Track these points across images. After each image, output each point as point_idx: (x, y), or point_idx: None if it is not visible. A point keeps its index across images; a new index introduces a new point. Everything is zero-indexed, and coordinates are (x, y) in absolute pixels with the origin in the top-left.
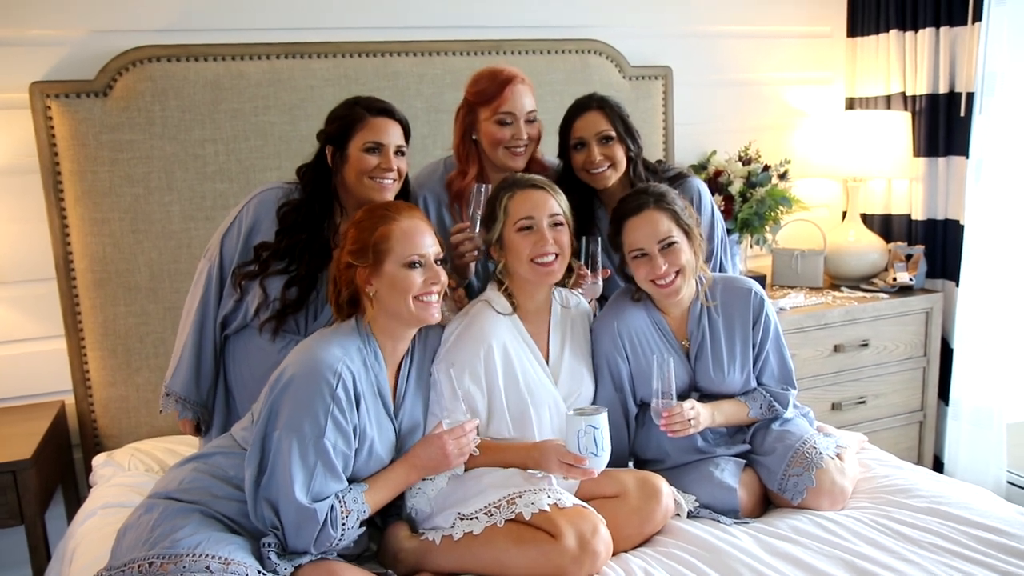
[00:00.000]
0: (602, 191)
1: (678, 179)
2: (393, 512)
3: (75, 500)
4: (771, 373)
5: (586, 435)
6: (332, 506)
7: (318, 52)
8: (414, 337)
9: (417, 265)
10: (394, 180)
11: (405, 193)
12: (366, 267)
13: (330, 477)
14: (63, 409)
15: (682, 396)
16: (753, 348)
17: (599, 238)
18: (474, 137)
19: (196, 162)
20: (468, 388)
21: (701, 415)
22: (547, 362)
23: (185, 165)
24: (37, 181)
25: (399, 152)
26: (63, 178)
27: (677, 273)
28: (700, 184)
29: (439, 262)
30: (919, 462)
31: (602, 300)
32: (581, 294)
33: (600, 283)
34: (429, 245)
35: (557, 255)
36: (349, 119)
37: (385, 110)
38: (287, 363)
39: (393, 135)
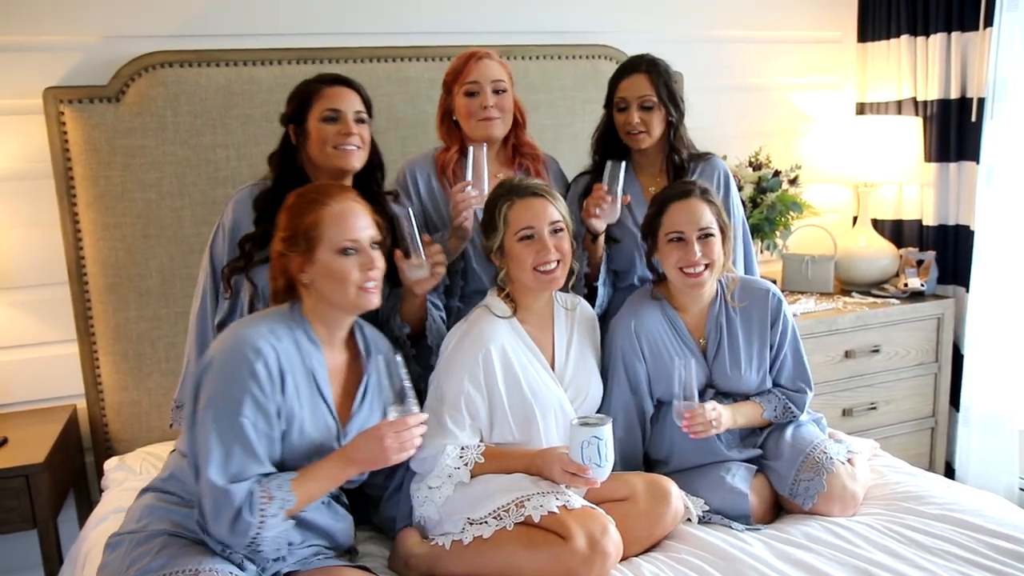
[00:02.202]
0: (636, 152)
1: (704, 157)
2: (401, 520)
3: (87, 504)
4: (788, 374)
5: (590, 446)
6: (251, 490)
7: (330, 58)
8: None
9: (351, 252)
10: (358, 147)
11: (375, 165)
12: (299, 255)
13: (249, 458)
14: (75, 413)
15: (699, 395)
16: (771, 349)
17: (623, 163)
18: (454, 118)
19: (208, 167)
20: (468, 392)
21: (723, 416)
22: (552, 365)
23: (197, 170)
24: (50, 186)
25: (359, 120)
26: (76, 183)
27: (707, 266)
28: (724, 165)
29: (375, 246)
30: (930, 468)
31: (604, 315)
32: (599, 215)
33: (619, 207)
34: (363, 228)
35: (559, 262)
36: (305, 93)
37: (341, 79)
38: (212, 344)
39: (350, 102)
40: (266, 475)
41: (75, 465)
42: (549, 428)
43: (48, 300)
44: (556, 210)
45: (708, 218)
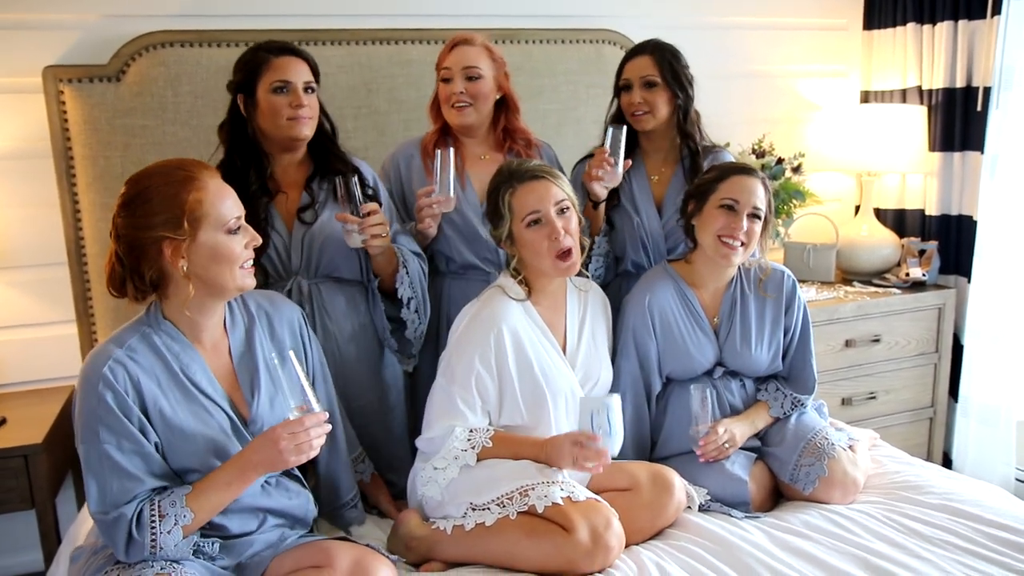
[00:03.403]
0: (643, 135)
1: (713, 149)
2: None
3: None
4: (794, 363)
5: (599, 414)
6: (139, 510)
7: (332, 39)
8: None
9: (236, 231)
10: (309, 117)
11: (327, 131)
12: (180, 240)
13: (125, 479)
14: (73, 394)
15: (708, 372)
16: (786, 334)
17: (624, 127)
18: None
19: (208, 148)
20: (479, 372)
21: (736, 435)
22: (564, 348)
23: (197, 151)
24: (50, 165)
25: (308, 89)
26: (75, 163)
27: (743, 244)
28: (732, 160)
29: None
30: (928, 458)
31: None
32: (601, 177)
33: (620, 172)
34: (238, 204)
35: (571, 244)
36: (253, 63)
37: (288, 49)
38: None
39: (299, 72)
40: (162, 490)
41: (73, 446)
42: (559, 412)
43: (47, 280)
44: (560, 189)
45: (762, 201)
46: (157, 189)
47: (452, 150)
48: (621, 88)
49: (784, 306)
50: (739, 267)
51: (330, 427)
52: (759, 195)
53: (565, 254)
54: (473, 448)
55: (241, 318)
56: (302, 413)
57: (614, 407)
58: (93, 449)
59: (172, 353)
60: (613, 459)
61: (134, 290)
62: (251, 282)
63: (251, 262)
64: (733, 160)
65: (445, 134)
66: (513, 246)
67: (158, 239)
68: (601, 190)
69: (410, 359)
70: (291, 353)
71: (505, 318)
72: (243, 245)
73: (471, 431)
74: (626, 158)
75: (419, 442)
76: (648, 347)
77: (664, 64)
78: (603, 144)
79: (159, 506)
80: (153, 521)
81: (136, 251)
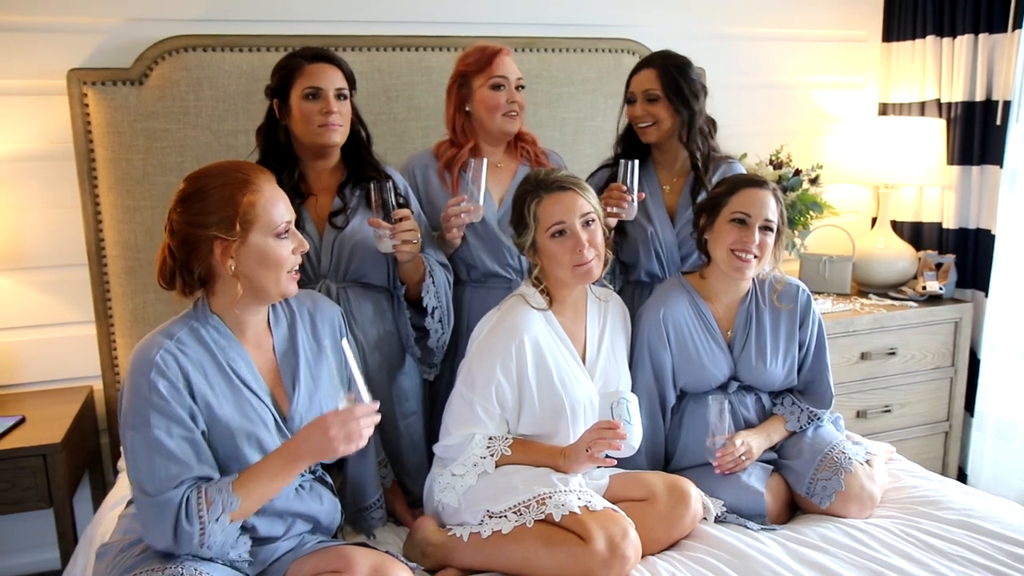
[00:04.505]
0: (655, 150)
1: (725, 159)
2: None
3: (101, 485)
4: (817, 372)
5: (619, 405)
6: (187, 497)
7: (353, 45)
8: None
9: (285, 235)
10: (339, 124)
11: (360, 136)
12: (231, 240)
13: (173, 463)
14: (91, 394)
15: (722, 386)
16: (801, 348)
17: (636, 162)
18: (467, 109)
19: (229, 152)
20: (499, 380)
21: (752, 448)
22: (583, 358)
23: (218, 155)
24: (72, 167)
25: (340, 96)
26: (97, 165)
27: (756, 257)
28: (742, 168)
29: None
30: (943, 472)
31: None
32: (618, 215)
33: (636, 206)
34: (290, 210)
35: (593, 257)
36: (288, 69)
37: (323, 56)
38: None
39: (332, 79)
40: (207, 480)
41: (91, 446)
42: (577, 421)
43: (67, 281)
44: (586, 201)
45: (774, 212)
46: (214, 189)
47: (485, 160)
48: (627, 100)
49: (799, 320)
50: (754, 281)
51: (379, 418)
52: (770, 207)
53: (583, 263)
54: (492, 455)
55: (284, 316)
56: (352, 403)
57: (633, 401)
58: (142, 435)
59: (219, 347)
60: (629, 468)
61: (182, 284)
62: (294, 288)
63: (297, 268)
64: (744, 171)
65: (461, 144)
66: (536, 255)
67: (210, 238)
68: (614, 222)
69: (431, 368)
70: (344, 342)
71: (527, 328)
72: (291, 250)
73: (490, 439)
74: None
75: (437, 448)
76: (663, 360)
77: (667, 78)
78: (618, 179)
79: (206, 493)
80: (201, 509)
81: (188, 247)
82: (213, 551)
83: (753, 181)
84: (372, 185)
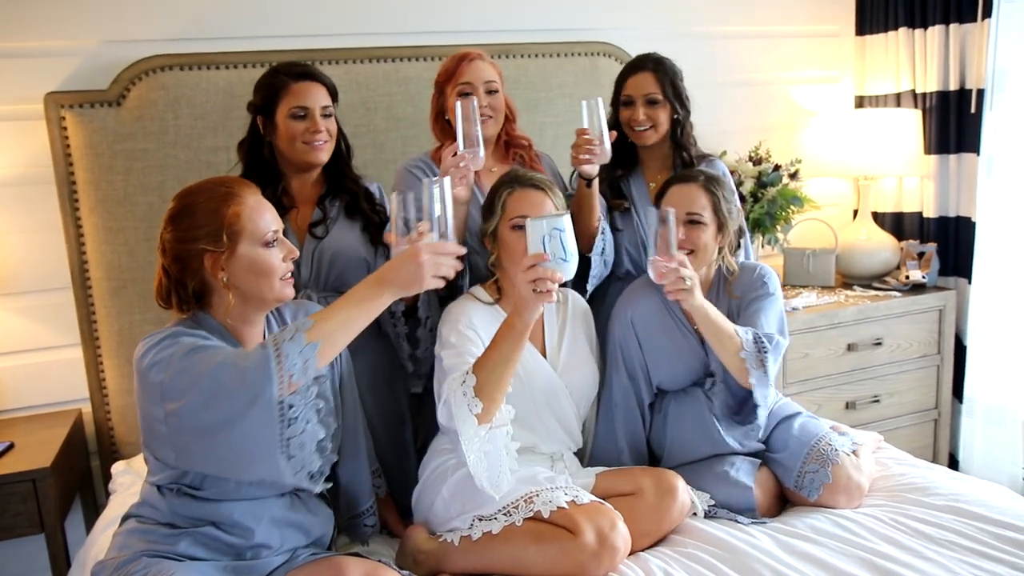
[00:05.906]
0: (642, 149)
1: (706, 157)
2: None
3: (93, 508)
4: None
5: (552, 240)
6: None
7: (329, 59)
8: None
9: (273, 244)
10: (325, 141)
11: (343, 151)
12: (220, 252)
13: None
14: (80, 417)
15: (696, 381)
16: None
17: (599, 99)
18: (447, 117)
19: (209, 170)
20: (463, 333)
21: (696, 285)
22: (543, 354)
23: (199, 173)
24: (52, 191)
25: (326, 114)
26: (78, 187)
27: (690, 252)
28: (725, 167)
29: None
30: (934, 460)
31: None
32: (588, 159)
33: (608, 147)
34: (276, 219)
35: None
36: (273, 87)
37: (307, 74)
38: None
39: (318, 97)
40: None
41: (81, 469)
42: (543, 406)
43: (52, 305)
44: (553, 205)
45: (701, 204)
46: (200, 204)
47: (476, 99)
48: (623, 103)
49: (752, 299)
50: (719, 271)
51: (461, 266)
52: (694, 200)
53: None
54: (466, 383)
55: (278, 327)
56: (441, 239)
57: (565, 229)
58: (187, 356)
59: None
60: (615, 467)
61: (178, 301)
62: (290, 292)
63: (290, 274)
64: (724, 168)
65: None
66: (495, 244)
67: (200, 251)
68: (591, 169)
69: (420, 379)
70: (425, 182)
71: (473, 315)
72: (280, 258)
73: (463, 382)
74: (625, 168)
75: (439, 415)
76: (633, 358)
77: (666, 81)
78: (583, 122)
79: (280, 331)
80: (284, 345)
81: (180, 263)
82: (295, 375)
83: (681, 177)
84: (395, 195)
